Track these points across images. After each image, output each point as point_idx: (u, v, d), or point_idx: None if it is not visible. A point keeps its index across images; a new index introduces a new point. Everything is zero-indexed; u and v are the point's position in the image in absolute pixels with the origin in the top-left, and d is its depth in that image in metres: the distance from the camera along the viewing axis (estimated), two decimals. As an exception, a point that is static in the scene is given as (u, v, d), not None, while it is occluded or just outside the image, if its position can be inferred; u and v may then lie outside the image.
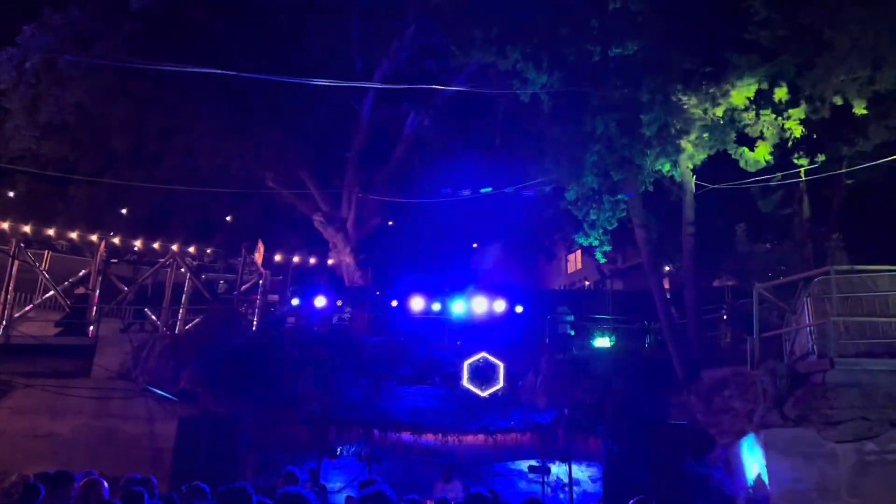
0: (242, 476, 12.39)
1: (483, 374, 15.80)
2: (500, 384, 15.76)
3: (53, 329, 16.43)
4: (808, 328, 11.61)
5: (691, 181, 15.01)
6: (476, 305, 18.20)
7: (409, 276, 23.84)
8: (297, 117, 20.22)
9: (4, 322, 15.89)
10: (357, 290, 20.80)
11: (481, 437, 15.24)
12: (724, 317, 17.88)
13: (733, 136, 13.61)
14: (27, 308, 16.69)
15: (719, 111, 13.19)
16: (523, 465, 15.49)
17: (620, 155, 14.14)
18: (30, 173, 21.54)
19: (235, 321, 16.63)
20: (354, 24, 20.66)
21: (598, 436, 14.50)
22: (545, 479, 14.87)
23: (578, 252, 34.32)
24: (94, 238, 17.56)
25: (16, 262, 16.63)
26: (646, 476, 12.86)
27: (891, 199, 16.90)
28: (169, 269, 17.38)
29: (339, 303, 19.15)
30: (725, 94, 12.85)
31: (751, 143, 13.90)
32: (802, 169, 14.67)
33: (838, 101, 12.16)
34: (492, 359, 15.87)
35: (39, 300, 17.16)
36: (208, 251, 19.46)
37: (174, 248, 17.81)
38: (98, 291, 16.92)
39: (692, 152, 13.89)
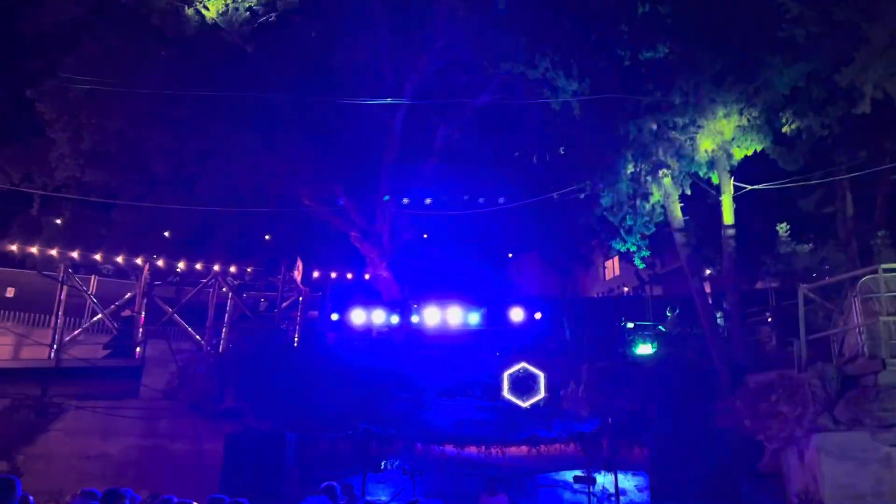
0: (287, 491, 12.51)
1: (524, 385, 15.73)
2: (542, 394, 15.67)
3: (102, 351, 16.85)
4: (856, 329, 11.31)
5: (729, 182, 14.80)
6: (513, 315, 18.14)
7: (445, 288, 23.86)
8: (330, 134, 20.44)
9: (56, 346, 16.34)
10: (395, 304, 20.89)
11: (524, 448, 15.15)
12: (769, 319, 17.52)
13: (771, 135, 13.40)
14: (76, 332, 17.15)
15: (755, 111, 13.00)
16: (568, 475, 15.35)
17: (655, 159, 14.01)
18: (74, 200, 22.12)
19: (277, 338, 16.85)
20: (384, 39, 20.83)
21: (644, 444, 14.32)
22: (591, 490, 14.70)
23: (616, 259, 33.96)
24: (138, 261, 17.98)
25: (65, 288, 17.11)
26: (694, 484, 12.64)
27: (938, 192, 16.42)
28: (211, 289, 17.70)
29: (377, 317, 19.23)
30: (759, 93, 12.66)
31: (790, 142, 13.67)
32: (844, 167, 14.37)
33: (878, 94, 11.88)
34: (532, 369, 15.79)
35: (88, 324, 17.62)
36: (248, 270, 19.76)
37: (216, 268, 18.14)
38: (143, 313, 17.31)
39: (730, 153, 13.69)
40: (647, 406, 14.50)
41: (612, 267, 37.57)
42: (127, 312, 17.77)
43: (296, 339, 17.38)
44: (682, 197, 15.31)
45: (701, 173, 14.63)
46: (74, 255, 17.42)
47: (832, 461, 10.52)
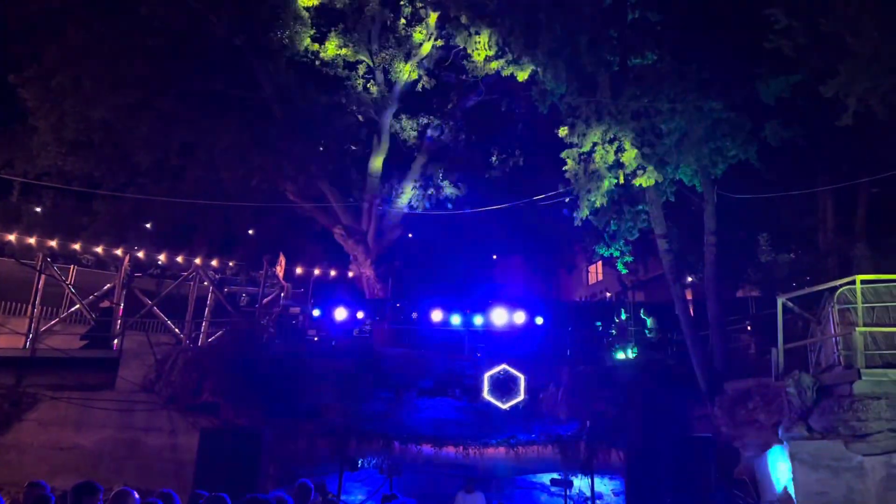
0: (263, 488, 12.41)
1: (504, 386, 15.74)
2: (521, 396, 15.68)
3: (79, 342, 16.62)
4: (833, 339, 11.43)
5: (713, 191, 14.90)
6: (496, 317, 18.15)
7: (429, 289, 23.86)
8: (317, 130, 20.38)
9: (31, 336, 16.11)
10: (377, 303, 20.85)
11: (502, 449, 15.15)
12: (748, 328, 17.66)
13: (755, 145, 13.50)
14: (53, 322, 16.91)
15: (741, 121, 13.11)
16: (545, 477, 15.36)
17: (640, 164, 14.08)
18: (55, 189, 21.89)
19: (257, 334, 16.73)
20: (374, 37, 20.83)
21: (621, 448, 14.36)
22: (567, 493, 14.72)
23: (599, 263, 34.11)
24: (118, 252, 17.78)
25: (42, 277, 16.89)
26: (669, 489, 12.70)
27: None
28: (192, 283, 17.54)
29: (359, 315, 19.19)
30: (745, 103, 12.77)
31: (772, 152, 13.78)
32: (826, 178, 14.52)
33: (861, 107, 12.00)
34: (512, 371, 15.80)
35: (65, 314, 17.38)
36: (231, 264, 19.63)
37: (197, 261, 17.98)
38: (122, 305, 17.12)
39: (714, 161, 13.79)
40: (626, 410, 14.56)
41: (596, 271, 37.76)
42: (105, 304, 17.55)
43: (276, 335, 17.27)
44: (666, 204, 15.41)
45: (685, 181, 14.73)
46: (53, 243, 17.19)
47: (805, 469, 10.60)
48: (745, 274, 19.47)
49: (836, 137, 13.24)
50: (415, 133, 22.47)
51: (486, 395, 15.69)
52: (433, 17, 19.62)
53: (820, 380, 11.16)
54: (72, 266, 18.31)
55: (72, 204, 25.41)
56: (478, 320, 18.18)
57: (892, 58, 11.21)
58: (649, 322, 18.05)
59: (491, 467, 15.11)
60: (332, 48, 20.15)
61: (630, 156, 14.01)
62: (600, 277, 37.52)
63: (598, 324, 17.89)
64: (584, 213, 14.93)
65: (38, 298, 16.71)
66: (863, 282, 11.08)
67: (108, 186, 21.66)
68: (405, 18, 20.29)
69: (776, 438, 11.56)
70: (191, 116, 19.63)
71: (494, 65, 17.70)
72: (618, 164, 14.31)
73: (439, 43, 20.45)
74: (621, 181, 14.57)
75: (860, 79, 11.54)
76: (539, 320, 19.00)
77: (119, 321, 16.83)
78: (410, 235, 26.78)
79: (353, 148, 21.93)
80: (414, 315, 19.58)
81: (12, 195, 25.73)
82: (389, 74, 21.12)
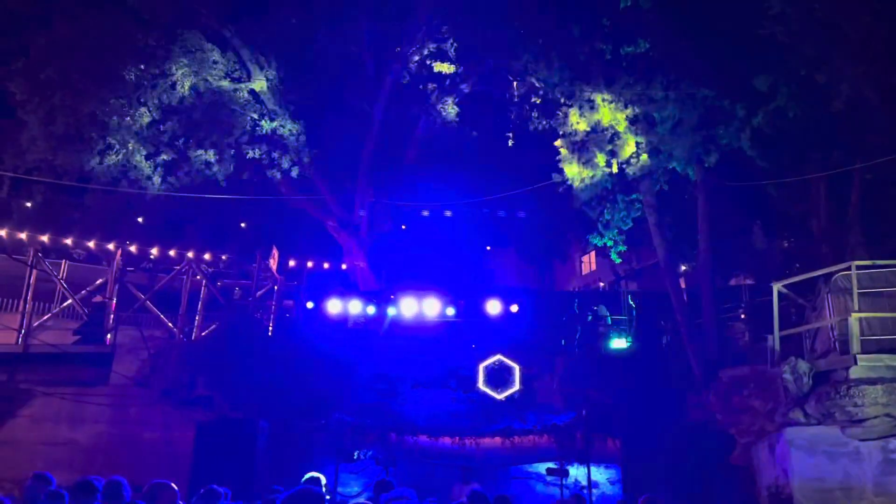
0: (259, 480, 12.39)
1: (499, 377, 15.74)
2: (516, 386, 15.69)
3: (72, 337, 16.53)
4: (829, 325, 11.45)
5: (706, 179, 14.90)
6: (490, 308, 18.10)
7: (423, 280, 23.78)
8: (308, 121, 20.25)
9: (23, 331, 16.01)
10: (371, 294, 20.78)
11: (498, 439, 15.17)
12: (742, 315, 17.70)
13: (749, 132, 13.49)
14: (45, 317, 16.81)
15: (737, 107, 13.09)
16: (541, 467, 15.39)
17: (634, 153, 14.06)
18: (46, 183, 21.68)
19: (251, 327, 16.68)
20: (365, 27, 20.66)
21: (617, 437, 14.40)
22: (563, 482, 14.75)
23: (592, 253, 34.15)
24: (110, 247, 17.66)
25: (34, 272, 16.77)
26: (666, 477, 12.74)
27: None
28: (185, 276, 17.46)
29: (353, 307, 19.11)
30: (740, 89, 12.75)
31: (768, 140, 13.77)
32: (819, 165, 14.50)
33: (853, 93, 12.01)
34: (507, 361, 15.80)
35: (58, 309, 17.28)
36: (223, 258, 19.53)
37: (190, 255, 17.89)
38: (115, 300, 17.03)
39: (707, 148, 13.79)
40: (621, 399, 14.59)
41: (589, 261, 37.80)
42: (98, 298, 17.45)
43: (270, 328, 17.22)
44: (660, 193, 15.40)
45: (679, 169, 14.72)
46: (45, 238, 17.07)
47: (802, 455, 10.65)
48: (739, 262, 19.51)
49: (829, 124, 13.23)
50: (407, 124, 22.36)
51: (482, 385, 15.69)
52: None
53: (816, 366, 11.18)
54: (63, 261, 18.18)
55: (63, 199, 25.20)
56: (472, 311, 18.14)
57: (885, 43, 11.21)
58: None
59: (487, 458, 15.13)
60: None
61: (623, 144, 14.00)
62: (594, 267, 37.56)
63: (589, 316, 17.83)
64: (579, 200, 14.93)
65: (30, 294, 16.59)
66: (858, 267, 11.10)
67: (99, 181, 21.48)
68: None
69: (772, 425, 11.59)
70: (181, 109, 19.44)
71: (487, 54, 17.61)
72: (611, 153, 14.30)
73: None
74: (615, 170, 14.57)
75: (853, 65, 11.54)
76: (533, 311, 18.97)
77: (112, 316, 16.74)
78: (404, 227, 26.72)
79: (345, 139, 21.81)
80: (408, 307, 19.52)
81: (2, 190, 25.51)
82: (380, 64, 20.99)
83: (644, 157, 14.32)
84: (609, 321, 17.51)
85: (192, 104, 17.85)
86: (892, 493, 10.05)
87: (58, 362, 15.55)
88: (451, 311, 18.35)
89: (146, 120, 17.53)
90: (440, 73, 20.80)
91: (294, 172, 19.28)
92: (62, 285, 17.35)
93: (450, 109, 21.72)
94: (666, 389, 14.69)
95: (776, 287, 12.49)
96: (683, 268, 22.53)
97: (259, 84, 18.56)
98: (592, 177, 14.49)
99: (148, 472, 13.70)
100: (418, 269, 26.74)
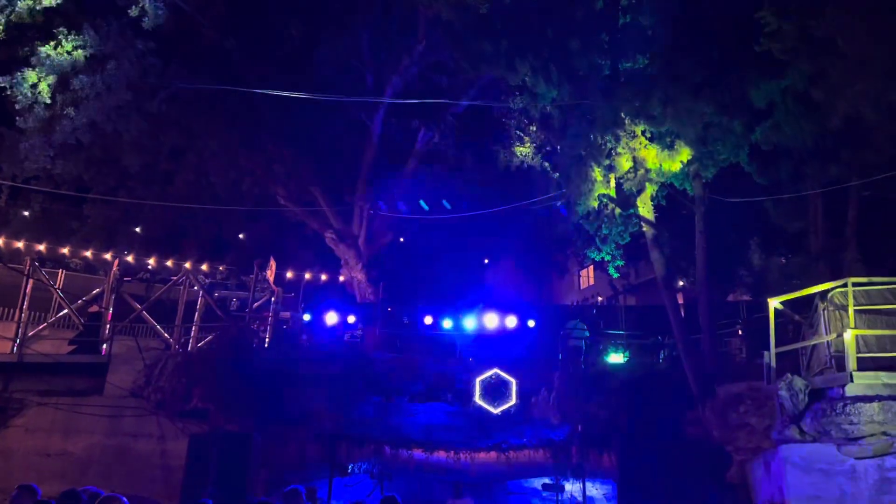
0: (252, 493, 12.31)
1: (495, 391, 15.68)
2: (513, 401, 15.62)
3: (67, 347, 16.46)
4: (825, 342, 11.42)
5: (704, 194, 14.91)
6: (488, 321, 18.09)
7: (420, 293, 23.78)
8: (308, 134, 20.31)
9: (18, 340, 15.94)
10: (368, 307, 20.75)
11: (493, 454, 15.09)
12: (739, 332, 17.68)
13: (746, 148, 13.52)
14: (41, 326, 16.74)
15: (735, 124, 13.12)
16: (537, 482, 15.31)
17: (631, 168, 14.09)
18: (44, 192, 21.70)
19: (247, 339, 16.61)
20: (365, 40, 20.78)
21: (613, 452, 14.33)
22: (559, 498, 14.67)
23: (591, 268, 34.19)
24: (107, 256, 17.67)
25: (30, 281, 16.72)
26: (661, 493, 12.66)
27: (907, 210, 16.66)
28: (182, 287, 17.42)
29: (350, 319, 19.09)
30: (738, 105, 12.78)
31: (766, 156, 13.79)
32: (817, 181, 14.51)
33: (850, 111, 12.03)
34: (504, 375, 15.74)
35: (53, 319, 17.21)
36: (221, 269, 19.53)
37: (187, 265, 17.89)
38: (111, 310, 16.97)
39: (705, 164, 13.81)
40: (617, 414, 14.53)
41: (588, 276, 37.81)
42: (94, 308, 17.40)
43: (266, 340, 17.16)
44: (658, 208, 15.41)
45: (677, 184, 14.73)
46: (41, 248, 17.08)
47: (798, 473, 10.58)
48: (737, 278, 19.50)
49: (826, 141, 13.25)
50: (406, 137, 22.42)
51: (478, 399, 15.62)
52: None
53: (812, 383, 11.15)
54: (60, 270, 18.15)
55: (61, 208, 25.22)
56: (469, 324, 18.12)
57: (882, 61, 11.24)
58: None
59: (482, 472, 15.05)
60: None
61: (620, 160, 14.02)
62: (592, 282, 37.58)
63: (586, 330, 17.78)
64: (577, 215, 14.94)
65: (25, 303, 16.54)
66: (854, 284, 11.09)
67: (97, 190, 21.51)
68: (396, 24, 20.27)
69: (768, 442, 11.54)
70: (181, 120, 19.52)
71: (486, 68, 17.66)
72: (609, 168, 14.32)
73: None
74: (612, 185, 14.59)
75: (850, 82, 11.57)
76: (531, 324, 18.96)
77: (108, 326, 16.68)
78: (402, 240, 26.74)
79: (344, 152, 21.87)
80: (405, 320, 19.52)
81: (0, 199, 25.52)
82: (379, 77, 21.07)
83: (641, 172, 14.34)
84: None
85: None
86: (888, 512, 9.99)
87: (52, 372, 15.48)
88: (448, 324, 18.34)
89: None
90: (439, 85, 20.88)
91: None
92: (58, 295, 17.29)
93: (448, 122, 21.79)
94: (662, 405, 14.62)
95: (772, 303, 12.47)
96: (681, 283, 22.53)
97: None
98: (590, 191, 14.50)
99: (141, 483, 13.68)
100: (417, 281, 26.74)
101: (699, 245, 15.23)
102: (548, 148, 17.81)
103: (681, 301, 20.98)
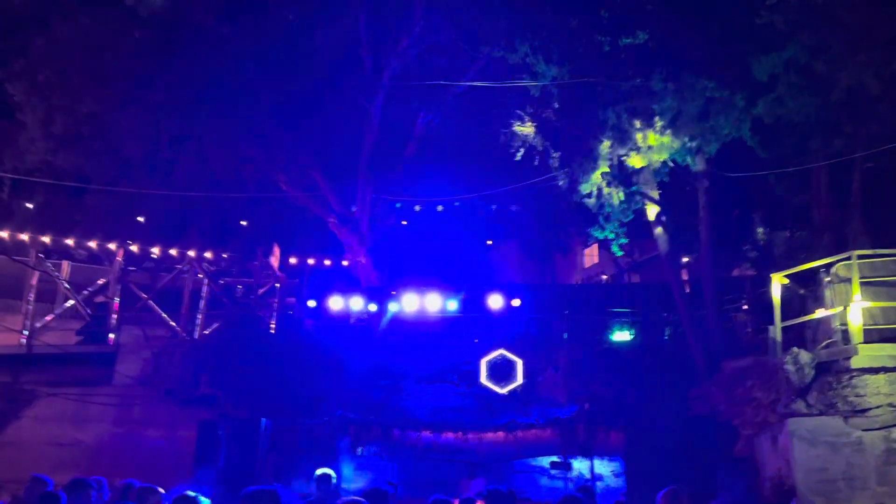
0: (262, 478, 12.40)
1: (501, 371, 15.73)
2: (519, 381, 15.68)
3: (74, 338, 16.60)
4: (830, 315, 11.41)
5: (707, 170, 14.85)
6: (492, 302, 18.08)
7: (424, 275, 23.76)
8: (307, 119, 20.20)
9: (26, 332, 16.05)
10: (373, 291, 20.77)
11: (501, 434, 15.18)
12: (745, 307, 17.65)
13: (749, 122, 13.43)
14: (48, 318, 16.85)
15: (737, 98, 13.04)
16: (545, 461, 15.39)
17: (633, 145, 14.02)
18: (46, 184, 21.69)
19: (253, 325, 16.70)
20: (362, 23, 20.60)
21: (620, 430, 14.39)
22: (567, 475, 14.77)
23: (595, 246, 34.05)
24: (112, 246, 17.69)
25: (36, 273, 16.80)
26: (669, 469, 12.71)
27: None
28: (187, 275, 17.48)
29: (355, 304, 19.11)
30: (739, 80, 12.70)
31: (768, 130, 13.71)
32: (820, 154, 14.43)
33: (853, 82, 11.94)
34: (509, 355, 15.79)
35: (60, 310, 17.32)
36: (225, 256, 19.54)
37: (191, 253, 17.91)
38: (117, 299, 17.05)
39: (707, 139, 13.74)
40: (624, 392, 14.59)
41: (592, 254, 37.74)
42: (100, 298, 17.51)
43: (272, 326, 17.25)
44: (661, 184, 15.34)
45: (679, 160, 14.66)
46: (46, 239, 17.11)
47: (805, 446, 10.62)
48: (741, 253, 19.44)
49: (829, 113, 13.16)
50: (406, 119, 22.29)
51: (484, 380, 15.68)
52: None
53: (818, 356, 11.15)
54: (65, 261, 18.22)
55: (63, 199, 25.19)
56: (474, 306, 18.13)
57: (884, 32, 11.13)
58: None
59: (490, 452, 15.15)
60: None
61: (622, 138, 13.94)
62: (596, 260, 37.53)
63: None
64: (579, 193, 14.91)
65: (32, 295, 16.63)
66: (859, 256, 11.05)
67: (99, 181, 21.48)
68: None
69: (774, 416, 11.57)
70: (180, 107, 19.43)
71: (485, 48, 17.54)
72: (610, 146, 14.24)
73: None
74: (614, 162, 14.52)
75: (853, 53, 11.47)
76: (535, 304, 18.96)
77: (114, 315, 16.77)
78: (405, 223, 26.69)
79: (345, 136, 21.76)
80: (410, 302, 19.51)
81: (3, 192, 25.53)
82: (378, 60, 20.90)
83: (644, 148, 14.26)
84: None
85: None
86: (895, 482, 10.02)
87: (61, 363, 15.62)
88: (452, 306, 18.34)
89: None
90: (438, 67, 20.71)
91: None
92: (64, 286, 17.39)
93: (449, 104, 21.65)
94: (669, 381, 14.67)
95: (777, 278, 12.45)
96: (685, 259, 22.46)
97: None
98: (591, 169, 14.45)
99: (151, 471, 13.78)
100: (420, 264, 26.73)
101: (703, 221, 15.20)
102: (548, 127, 17.69)
103: (685, 277, 20.96)
